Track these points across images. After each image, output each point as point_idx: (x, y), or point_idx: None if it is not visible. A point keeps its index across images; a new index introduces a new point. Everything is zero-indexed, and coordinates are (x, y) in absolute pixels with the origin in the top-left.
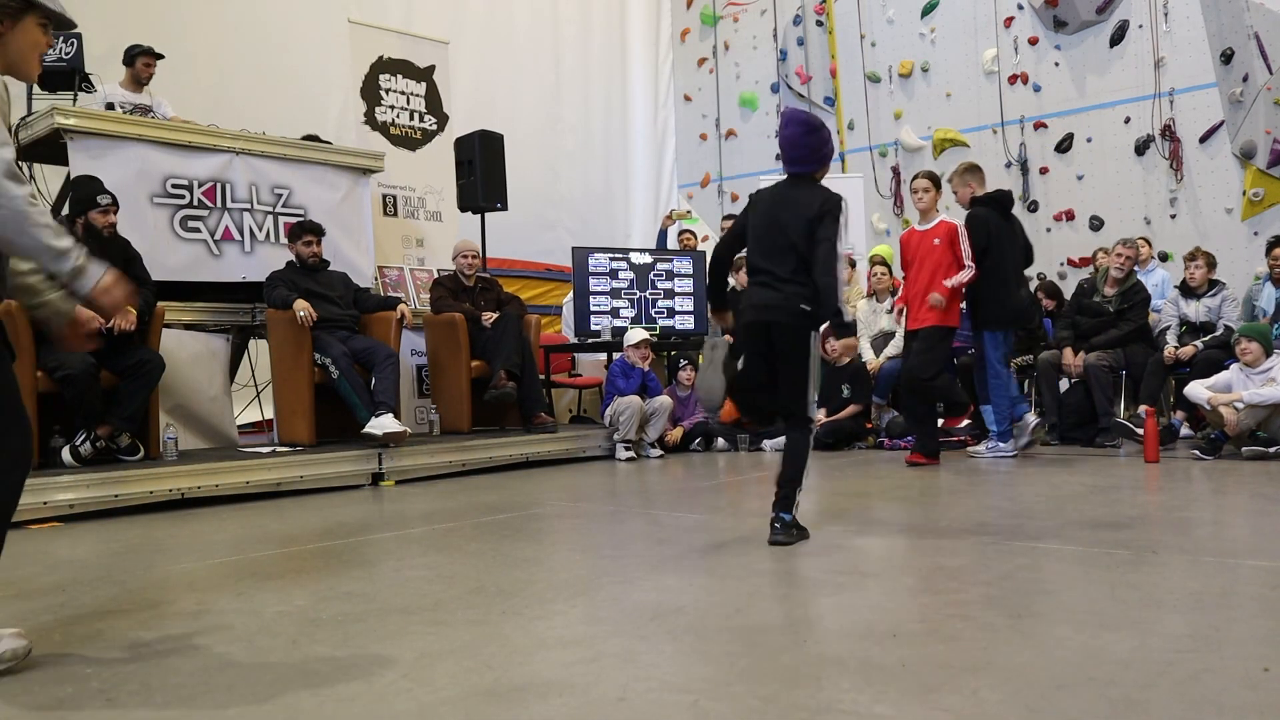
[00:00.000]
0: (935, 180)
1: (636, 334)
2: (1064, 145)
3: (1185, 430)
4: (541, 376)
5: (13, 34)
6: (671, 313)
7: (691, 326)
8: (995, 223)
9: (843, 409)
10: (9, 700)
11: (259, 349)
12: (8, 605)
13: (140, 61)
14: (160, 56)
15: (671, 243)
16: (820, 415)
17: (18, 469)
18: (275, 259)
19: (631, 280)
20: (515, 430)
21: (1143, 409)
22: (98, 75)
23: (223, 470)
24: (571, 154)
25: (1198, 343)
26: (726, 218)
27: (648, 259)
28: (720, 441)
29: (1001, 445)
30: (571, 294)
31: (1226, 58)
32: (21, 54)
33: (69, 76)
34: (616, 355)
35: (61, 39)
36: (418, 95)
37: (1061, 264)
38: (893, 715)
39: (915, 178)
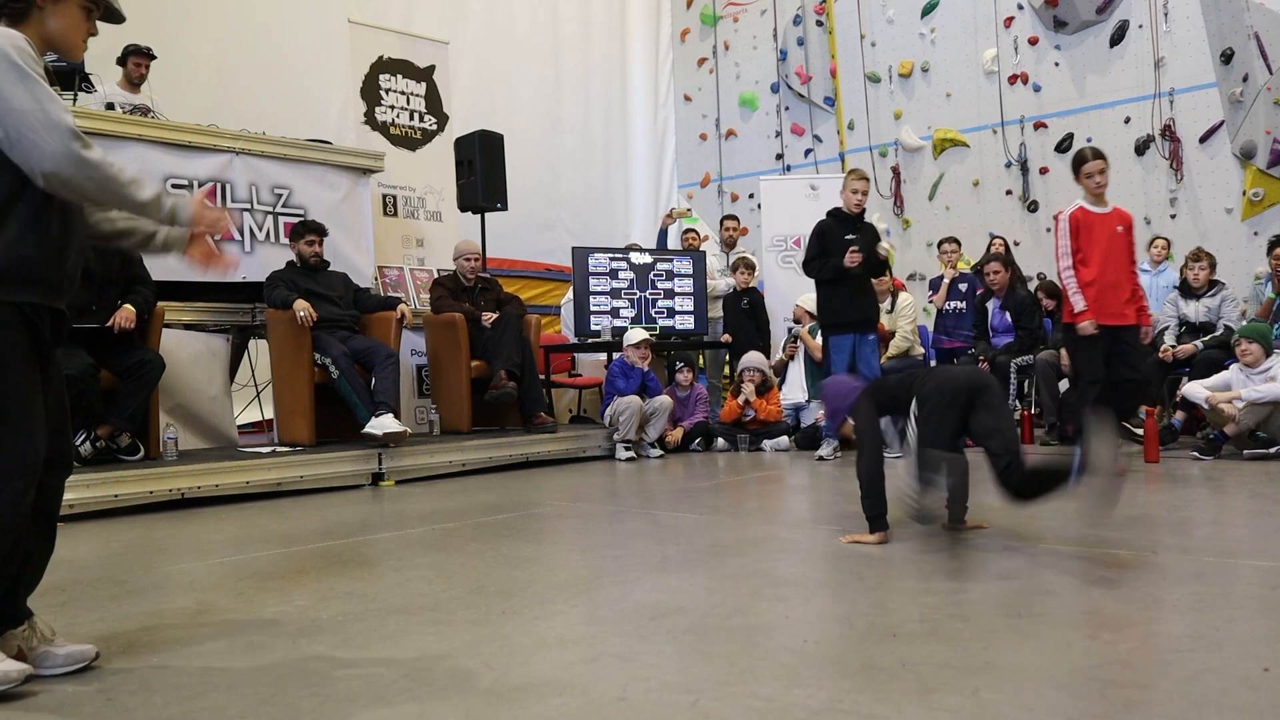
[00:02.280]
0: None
1: (636, 334)
2: (1064, 145)
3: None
4: (541, 376)
5: (54, 10)
6: (671, 313)
7: (691, 326)
8: (831, 232)
9: None
10: (8, 700)
11: (259, 349)
12: None
13: (131, 61)
14: (152, 56)
15: (673, 242)
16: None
17: (18, 477)
18: (275, 259)
19: (631, 280)
20: (515, 430)
21: (1142, 409)
22: (97, 75)
23: (223, 470)
24: (571, 154)
25: (1198, 343)
26: (727, 218)
27: (648, 259)
28: (720, 442)
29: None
30: (569, 294)
31: (1226, 58)
32: (61, 33)
33: (69, 76)
34: (616, 355)
35: None
36: (418, 95)
37: None
38: (893, 715)
39: (1097, 156)
